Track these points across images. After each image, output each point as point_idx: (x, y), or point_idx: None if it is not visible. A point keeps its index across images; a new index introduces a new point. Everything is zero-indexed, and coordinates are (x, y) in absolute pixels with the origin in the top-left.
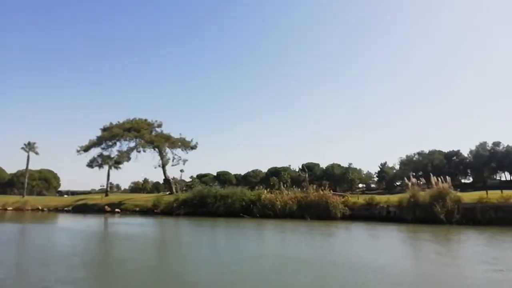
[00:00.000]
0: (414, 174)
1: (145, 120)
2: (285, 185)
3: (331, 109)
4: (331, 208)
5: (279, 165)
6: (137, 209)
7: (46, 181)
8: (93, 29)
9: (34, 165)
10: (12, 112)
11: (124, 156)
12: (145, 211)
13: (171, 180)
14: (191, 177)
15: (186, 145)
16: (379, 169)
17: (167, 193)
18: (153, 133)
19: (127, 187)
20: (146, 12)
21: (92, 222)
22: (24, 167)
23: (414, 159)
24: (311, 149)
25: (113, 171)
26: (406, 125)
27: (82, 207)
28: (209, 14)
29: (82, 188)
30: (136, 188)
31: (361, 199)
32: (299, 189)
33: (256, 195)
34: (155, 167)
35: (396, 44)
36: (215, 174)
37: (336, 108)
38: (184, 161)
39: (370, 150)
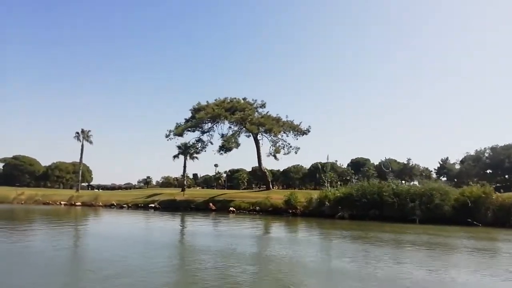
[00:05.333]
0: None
1: (245, 99)
2: None
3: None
4: None
5: (322, 160)
6: (257, 208)
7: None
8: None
9: (66, 158)
10: (55, 103)
11: (232, 142)
12: (270, 211)
13: (267, 172)
14: (225, 172)
15: (298, 129)
16: (439, 165)
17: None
18: (256, 114)
19: (153, 183)
20: None
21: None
22: (58, 160)
23: (486, 154)
24: (357, 144)
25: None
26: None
27: (171, 203)
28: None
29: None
30: (167, 183)
31: None
32: None
33: (480, 193)
34: (270, 154)
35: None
36: (249, 169)
37: (389, 101)
38: (296, 149)
39: (427, 144)
